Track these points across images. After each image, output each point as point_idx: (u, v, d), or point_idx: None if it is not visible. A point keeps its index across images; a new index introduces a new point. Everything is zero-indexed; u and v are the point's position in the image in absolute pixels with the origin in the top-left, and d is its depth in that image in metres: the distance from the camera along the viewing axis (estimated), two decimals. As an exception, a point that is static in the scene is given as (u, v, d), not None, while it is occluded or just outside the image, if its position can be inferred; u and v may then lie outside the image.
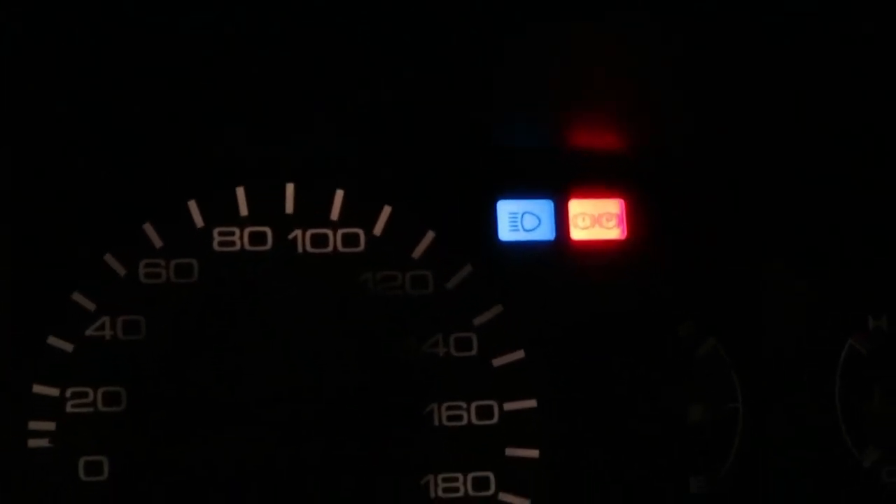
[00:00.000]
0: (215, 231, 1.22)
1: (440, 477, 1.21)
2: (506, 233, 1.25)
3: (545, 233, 1.25)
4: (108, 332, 1.20)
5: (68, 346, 1.19)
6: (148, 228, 1.21)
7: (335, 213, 1.24)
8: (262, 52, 1.07)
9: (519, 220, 1.25)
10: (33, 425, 1.18)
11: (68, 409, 1.18)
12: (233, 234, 1.22)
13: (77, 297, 1.20)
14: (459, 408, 1.22)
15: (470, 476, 1.21)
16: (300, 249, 1.23)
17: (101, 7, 0.96)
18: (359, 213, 1.24)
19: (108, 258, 1.21)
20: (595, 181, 1.27)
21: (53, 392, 1.18)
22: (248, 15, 0.99)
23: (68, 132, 1.20)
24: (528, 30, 1.04)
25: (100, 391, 1.19)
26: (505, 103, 1.20)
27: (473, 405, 1.22)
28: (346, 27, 1.03)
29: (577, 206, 1.26)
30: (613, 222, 1.26)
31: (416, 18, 1.03)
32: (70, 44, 1.02)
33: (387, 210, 1.24)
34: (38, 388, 1.18)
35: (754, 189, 1.28)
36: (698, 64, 1.12)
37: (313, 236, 1.23)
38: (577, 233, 1.26)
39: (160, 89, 1.13)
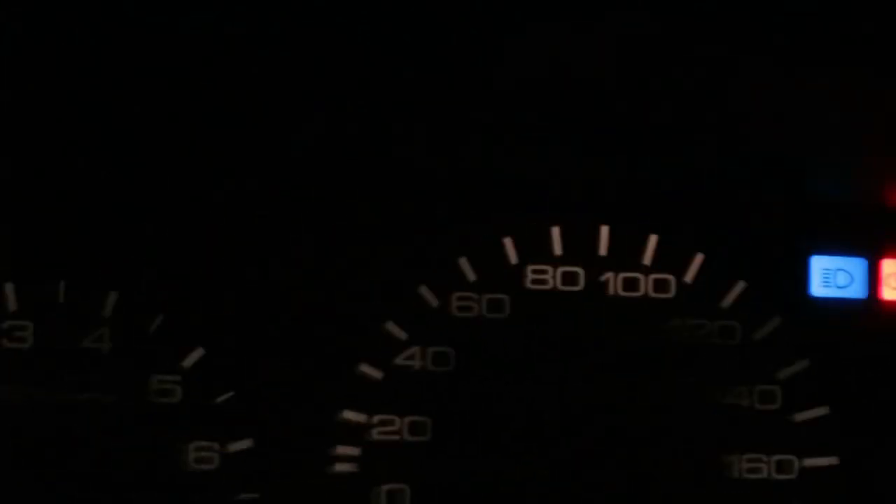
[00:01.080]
0: (528, 269, 1.23)
1: (736, 528, 1.22)
2: (818, 288, 1.24)
3: (857, 291, 1.25)
4: (417, 362, 1.21)
5: (378, 374, 1.20)
6: (463, 262, 1.22)
7: (647, 258, 1.23)
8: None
9: (832, 276, 1.24)
10: (340, 450, 1.19)
11: (374, 436, 1.19)
12: (546, 272, 1.23)
13: (390, 326, 1.20)
14: (760, 460, 1.22)
15: (766, 529, 1.22)
16: (611, 292, 1.23)
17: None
18: (671, 259, 1.24)
19: (423, 290, 1.21)
20: (910, 242, 1.26)
21: (361, 418, 1.20)
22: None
23: (391, 164, 1.20)
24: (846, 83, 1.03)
25: (406, 420, 1.20)
26: (821, 156, 1.19)
27: (774, 459, 1.22)
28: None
29: (890, 266, 1.25)
30: (925, 285, 1.26)
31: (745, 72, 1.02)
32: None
33: (699, 258, 1.23)
34: (346, 414, 1.19)
35: None
36: None
37: (625, 280, 1.23)
38: (889, 293, 1.25)
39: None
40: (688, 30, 0.97)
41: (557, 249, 1.23)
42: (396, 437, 1.20)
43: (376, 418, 1.20)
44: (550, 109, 1.12)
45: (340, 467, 1.20)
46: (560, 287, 1.23)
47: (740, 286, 1.24)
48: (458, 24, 0.95)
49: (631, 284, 1.23)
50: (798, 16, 0.94)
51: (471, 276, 1.22)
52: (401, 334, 1.21)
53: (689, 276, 1.24)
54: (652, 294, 1.23)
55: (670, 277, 1.23)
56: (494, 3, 0.92)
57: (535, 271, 1.23)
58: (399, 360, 1.21)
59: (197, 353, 1.19)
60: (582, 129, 1.15)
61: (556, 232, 1.23)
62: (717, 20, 0.95)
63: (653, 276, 1.23)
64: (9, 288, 1.17)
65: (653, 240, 1.24)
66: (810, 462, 1.22)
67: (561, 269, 1.23)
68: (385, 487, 1.20)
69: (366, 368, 1.20)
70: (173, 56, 0.99)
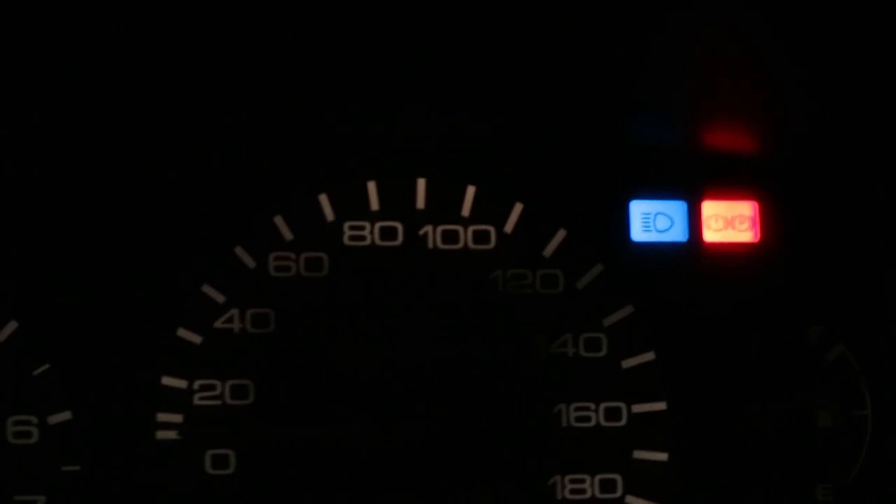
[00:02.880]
0: (346, 225, 1.21)
1: (567, 478, 1.21)
2: (638, 233, 1.23)
3: (678, 234, 1.24)
4: (237, 325, 1.19)
5: (197, 339, 1.18)
6: (279, 221, 1.20)
7: (466, 210, 1.22)
8: (397, 49, 1.05)
9: (652, 220, 1.23)
10: (161, 417, 1.17)
11: (196, 401, 1.18)
12: (363, 228, 1.21)
13: (207, 289, 1.19)
14: (588, 409, 1.21)
15: (597, 478, 1.21)
16: (430, 245, 1.22)
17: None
18: (490, 210, 1.22)
19: (238, 251, 1.20)
20: (728, 183, 1.25)
21: (182, 384, 1.18)
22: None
23: (200, 123, 1.19)
24: (667, 23, 1.02)
25: (228, 384, 1.18)
26: (640, 101, 1.18)
27: (602, 406, 1.21)
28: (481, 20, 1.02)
29: (710, 208, 1.25)
30: (746, 225, 1.25)
31: (556, 12, 1.01)
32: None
33: (518, 207, 1.22)
34: (166, 380, 1.17)
35: (888, 195, 1.26)
36: (828, 59, 1.09)
37: (444, 232, 1.22)
38: (710, 235, 1.24)
39: (292, 82, 1.12)
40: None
41: (374, 204, 1.22)
42: (218, 402, 1.18)
43: (197, 383, 1.18)
44: (363, 64, 1.10)
45: (163, 434, 1.17)
46: (379, 243, 1.21)
47: (561, 234, 1.23)
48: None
49: (451, 237, 1.22)
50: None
51: (287, 234, 1.20)
52: (218, 297, 1.19)
53: (510, 227, 1.23)
54: (472, 246, 1.22)
55: (490, 228, 1.22)
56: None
57: (352, 227, 1.21)
58: (218, 324, 1.19)
59: (10, 327, 1.17)
60: (394, 82, 1.14)
61: (372, 186, 1.22)
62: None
63: (472, 228, 1.22)
64: None
65: (471, 191, 1.22)
66: (638, 408, 1.21)
67: (379, 225, 1.21)
68: (210, 453, 1.18)
69: (184, 333, 1.18)
70: None
